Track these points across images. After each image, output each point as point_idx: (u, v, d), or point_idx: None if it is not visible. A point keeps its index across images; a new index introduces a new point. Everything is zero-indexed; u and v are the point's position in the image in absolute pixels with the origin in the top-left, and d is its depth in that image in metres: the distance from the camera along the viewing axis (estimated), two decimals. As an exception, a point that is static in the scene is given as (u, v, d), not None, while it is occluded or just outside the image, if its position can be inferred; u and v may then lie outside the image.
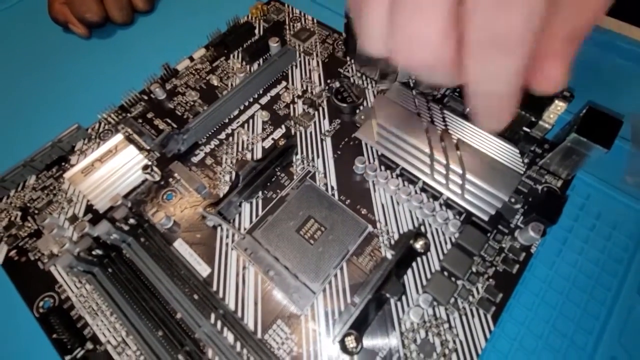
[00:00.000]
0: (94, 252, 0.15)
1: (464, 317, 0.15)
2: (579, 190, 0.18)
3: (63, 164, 0.20)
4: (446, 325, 0.15)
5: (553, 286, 0.16)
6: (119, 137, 0.20)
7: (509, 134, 0.18)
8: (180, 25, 0.27)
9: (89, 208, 0.18)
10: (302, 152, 0.19)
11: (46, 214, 0.18)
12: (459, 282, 0.15)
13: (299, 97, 0.22)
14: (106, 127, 0.21)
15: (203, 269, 0.16)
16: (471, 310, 0.15)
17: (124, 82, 0.22)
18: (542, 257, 0.16)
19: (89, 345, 0.15)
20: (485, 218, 0.16)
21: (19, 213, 0.18)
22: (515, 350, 0.15)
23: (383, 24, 0.11)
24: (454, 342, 0.14)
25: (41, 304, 0.16)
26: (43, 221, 0.17)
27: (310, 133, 0.20)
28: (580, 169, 0.17)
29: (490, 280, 0.15)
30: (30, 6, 0.29)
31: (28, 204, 0.19)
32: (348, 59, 0.23)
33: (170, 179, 0.19)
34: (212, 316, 0.15)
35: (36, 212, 0.18)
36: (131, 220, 0.16)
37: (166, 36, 0.26)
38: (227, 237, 0.17)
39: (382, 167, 0.18)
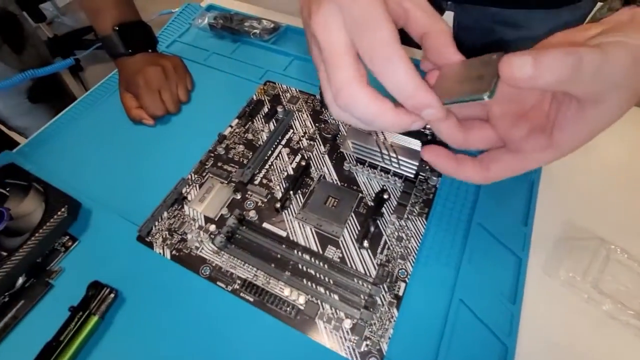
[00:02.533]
0: (228, 233, 0.30)
1: (412, 222, 0.31)
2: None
3: (184, 200, 0.34)
4: (405, 228, 0.31)
5: (448, 202, 0.33)
6: (210, 179, 0.35)
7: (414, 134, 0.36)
8: (212, 107, 0.42)
9: (206, 219, 0.33)
10: (314, 166, 0.36)
11: (186, 228, 0.32)
12: (407, 207, 0.32)
13: (302, 136, 0.38)
14: (195, 175, 0.35)
15: (282, 232, 0.31)
16: (415, 219, 0.32)
17: (190, 149, 0.37)
18: (441, 189, 0.34)
19: (238, 281, 0.29)
20: (412, 176, 0.33)
21: (167, 232, 0.32)
22: (434, 234, 0.32)
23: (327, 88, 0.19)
24: (410, 233, 0.31)
25: (202, 271, 0.30)
26: (189, 230, 0.31)
27: (315, 154, 0.36)
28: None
29: (421, 203, 0.32)
30: (110, 109, 0.43)
31: (169, 226, 0.32)
32: (323, 109, 0.40)
33: (247, 194, 0.34)
34: (295, 251, 0.30)
35: (176, 229, 0.32)
36: (240, 216, 0.31)
37: (204, 115, 0.42)
38: (289, 215, 0.32)
39: (359, 164, 0.35)
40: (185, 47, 0.49)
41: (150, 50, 0.43)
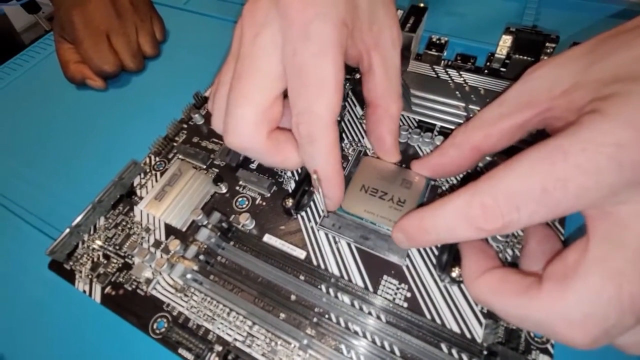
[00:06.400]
0: (200, 257, 0.16)
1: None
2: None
3: (133, 197, 0.20)
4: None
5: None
6: (179, 162, 0.21)
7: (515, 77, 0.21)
8: (187, 65, 0.29)
9: (169, 230, 0.19)
10: (348, 137, 0.22)
11: (135, 244, 0.18)
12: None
13: (325, 94, 0.24)
14: (157, 158, 0.22)
15: (299, 253, 0.18)
16: (541, 222, 0.17)
17: (154, 121, 0.23)
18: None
19: (218, 348, 0.16)
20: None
21: (100, 253, 0.19)
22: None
23: (223, 109, 0.16)
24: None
25: (155, 326, 0.16)
26: (133, 250, 0.18)
27: (348, 120, 0.22)
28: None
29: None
30: (45, 69, 0.30)
31: (106, 244, 0.19)
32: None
33: (237, 187, 0.20)
34: (323, 287, 0.16)
35: (117, 248, 0.19)
36: (223, 224, 0.17)
37: (181, 76, 0.28)
38: (309, 221, 0.19)
39: (424, 131, 0.21)
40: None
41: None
